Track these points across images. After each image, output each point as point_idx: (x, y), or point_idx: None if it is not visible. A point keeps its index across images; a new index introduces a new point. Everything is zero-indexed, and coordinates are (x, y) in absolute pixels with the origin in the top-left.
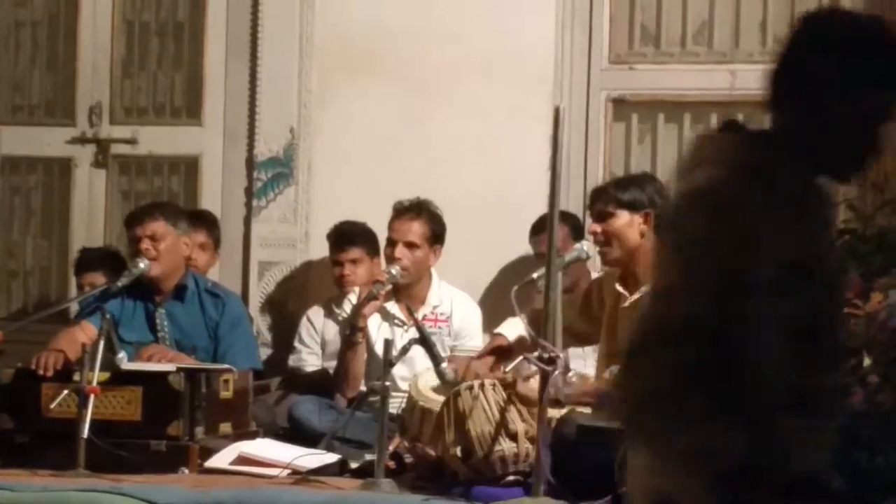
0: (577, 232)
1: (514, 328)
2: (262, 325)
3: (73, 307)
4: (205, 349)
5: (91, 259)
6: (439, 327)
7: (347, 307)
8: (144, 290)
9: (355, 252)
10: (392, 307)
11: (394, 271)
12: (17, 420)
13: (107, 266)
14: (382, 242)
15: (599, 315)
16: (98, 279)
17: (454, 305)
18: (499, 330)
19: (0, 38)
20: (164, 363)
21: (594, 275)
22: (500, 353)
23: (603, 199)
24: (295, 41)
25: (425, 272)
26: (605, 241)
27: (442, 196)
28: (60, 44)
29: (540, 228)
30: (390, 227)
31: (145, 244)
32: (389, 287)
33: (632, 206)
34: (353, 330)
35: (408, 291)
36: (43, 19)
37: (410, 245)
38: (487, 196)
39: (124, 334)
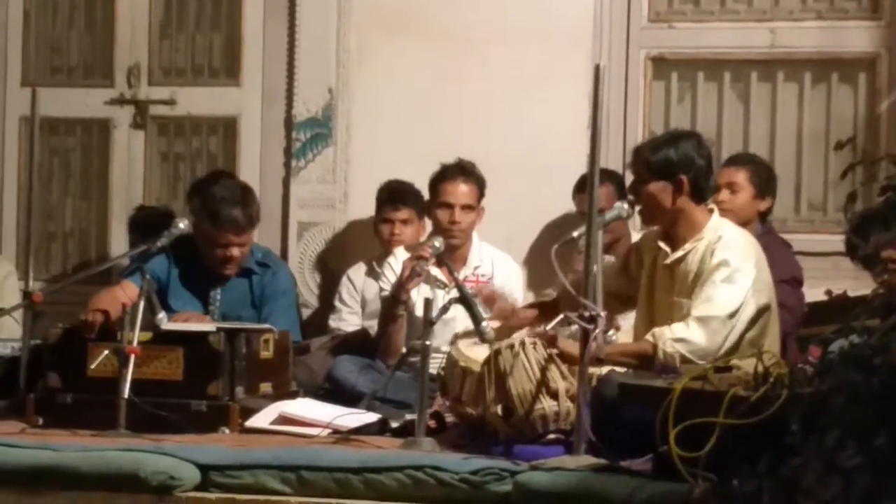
0: (622, 190)
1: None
2: (301, 285)
3: (124, 262)
4: (249, 319)
5: (146, 218)
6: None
7: (388, 271)
8: (204, 269)
9: (406, 212)
10: (433, 269)
11: (437, 243)
12: (64, 380)
13: (161, 225)
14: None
15: (638, 275)
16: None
17: (495, 266)
18: (548, 291)
19: (38, 1)
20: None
21: (634, 235)
22: (543, 308)
23: (637, 163)
24: (333, 1)
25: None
26: (642, 204)
27: (481, 155)
28: (98, 5)
29: (583, 187)
30: (443, 191)
31: (236, 252)
32: (434, 261)
33: (663, 174)
34: (395, 303)
35: (450, 253)
36: None
37: (466, 208)
38: (526, 155)
39: (176, 306)
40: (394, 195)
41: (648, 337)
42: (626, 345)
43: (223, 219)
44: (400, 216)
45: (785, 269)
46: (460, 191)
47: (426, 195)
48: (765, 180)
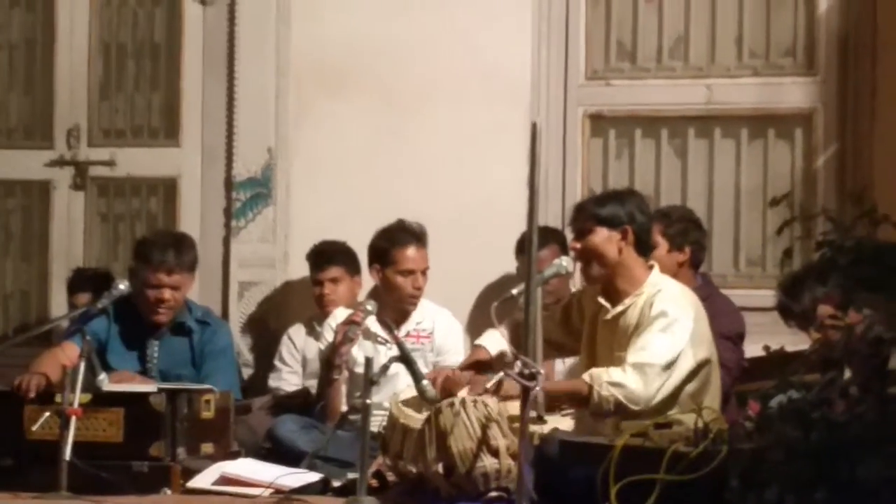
0: (566, 250)
1: (494, 340)
2: (242, 345)
3: (64, 324)
4: (189, 377)
5: (83, 279)
6: (422, 343)
7: (328, 332)
8: (140, 323)
9: (335, 271)
10: (374, 325)
11: (369, 307)
12: (0, 443)
13: (99, 287)
14: (363, 260)
15: (580, 326)
16: (90, 299)
17: (436, 322)
18: (479, 341)
19: None
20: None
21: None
22: (481, 366)
23: (582, 216)
24: (271, 60)
25: None
26: (585, 258)
27: (421, 213)
28: (37, 67)
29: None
30: (402, 259)
31: (167, 294)
32: (366, 326)
33: (609, 223)
34: (330, 367)
35: (392, 309)
36: (19, 43)
37: (425, 272)
38: (467, 212)
39: (113, 363)
40: (319, 256)
41: (585, 377)
42: (562, 382)
43: (153, 259)
44: (328, 276)
45: (729, 324)
46: (420, 256)
47: (362, 252)
48: (680, 231)
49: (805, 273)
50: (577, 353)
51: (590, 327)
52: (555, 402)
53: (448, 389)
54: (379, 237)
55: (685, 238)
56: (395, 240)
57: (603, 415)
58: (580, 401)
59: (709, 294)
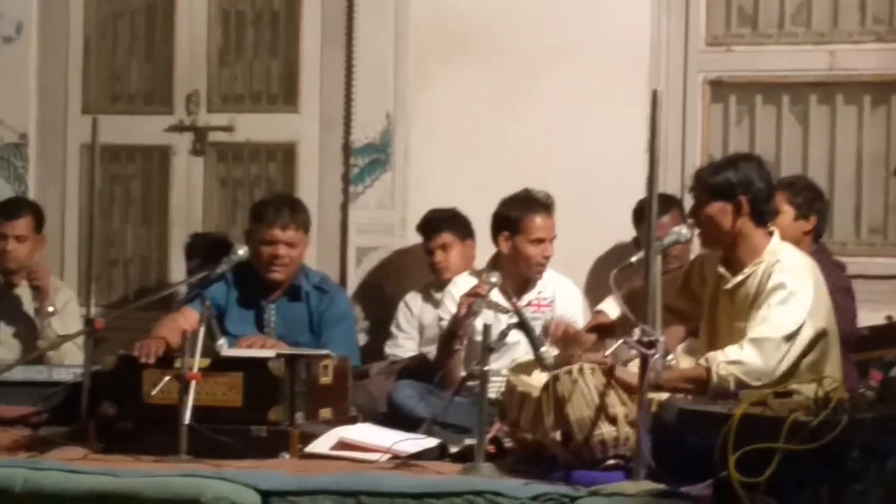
0: (684, 215)
1: (615, 306)
2: (359, 310)
3: (182, 290)
4: (307, 344)
5: (201, 244)
6: (543, 312)
7: (448, 300)
8: (257, 286)
9: (444, 237)
10: (494, 294)
11: (493, 279)
12: (120, 407)
13: (215, 252)
14: (479, 227)
15: (700, 292)
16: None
17: (557, 290)
18: (600, 307)
19: (98, 29)
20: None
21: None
22: (603, 330)
23: (697, 186)
24: (390, 26)
25: None
26: (702, 228)
27: (539, 180)
28: (158, 33)
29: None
30: (533, 227)
31: (282, 250)
32: (490, 299)
33: (723, 195)
34: (452, 338)
35: (515, 277)
36: (140, 9)
37: (553, 240)
38: (585, 179)
39: (230, 328)
40: (427, 225)
41: (702, 361)
42: (681, 371)
43: (268, 216)
44: (437, 243)
45: (837, 282)
46: (549, 224)
47: (478, 217)
48: (806, 201)
49: None
50: (697, 319)
51: (711, 297)
52: (675, 391)
53: (566, 343)
54: (507, 205)
55: (811, 207)
56: (525, 208)
57: (725, 395)
58: (701, 385)
59: (819, 259)
